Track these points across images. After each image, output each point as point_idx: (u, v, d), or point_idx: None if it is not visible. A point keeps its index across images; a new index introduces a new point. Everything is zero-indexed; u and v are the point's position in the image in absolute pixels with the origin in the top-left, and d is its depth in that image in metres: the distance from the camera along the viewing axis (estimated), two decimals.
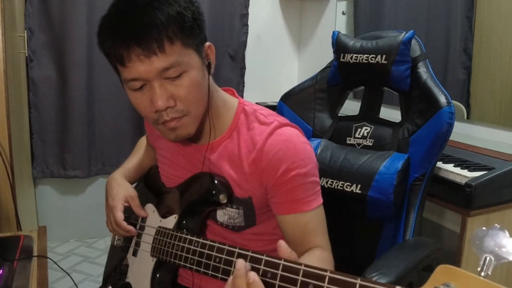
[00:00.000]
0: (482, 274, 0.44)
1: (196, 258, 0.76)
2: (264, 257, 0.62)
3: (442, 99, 1.03)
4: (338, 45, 1.22)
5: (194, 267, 0.77)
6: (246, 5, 2.55)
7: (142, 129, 2.29)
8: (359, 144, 1.17)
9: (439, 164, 1.29)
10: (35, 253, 1.09)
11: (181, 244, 0.82)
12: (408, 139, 1.10)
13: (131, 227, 0.94)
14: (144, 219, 0.98)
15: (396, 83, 1.13)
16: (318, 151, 1.16)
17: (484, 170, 1.24)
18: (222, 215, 0.90)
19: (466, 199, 1.17)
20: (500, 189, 1.20)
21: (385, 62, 1.12)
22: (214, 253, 0.72)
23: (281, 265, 0.59)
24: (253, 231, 0.91)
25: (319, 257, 0.82)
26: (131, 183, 1.05)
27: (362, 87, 1.24)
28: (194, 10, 0.78)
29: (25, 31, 2.17)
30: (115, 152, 2.42)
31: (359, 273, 0.83)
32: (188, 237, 0.80)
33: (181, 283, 0.98)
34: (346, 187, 1.08)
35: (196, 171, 0.90)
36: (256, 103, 1.08)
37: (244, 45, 2.59)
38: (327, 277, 0.54)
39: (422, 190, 1.06)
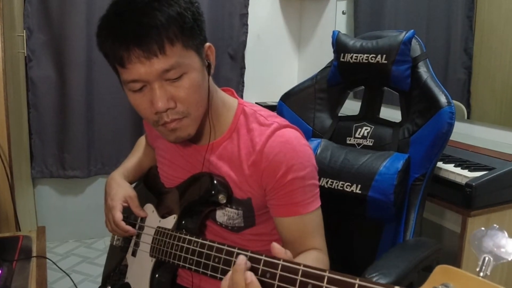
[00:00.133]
0: (481, 274, 0.44)
1: (195, 258, 0.76)
2: (263, 257, 0.62)
3: (443, 99, 1.03)
4: (338, 45, 1.22)
5: (193, 267, 0.76)
6: (246, 4, 2.55)
7: (141, 129, 2.29)
8: (359, 144, 1.17)
9: (440, 164, 1.29)
10: (34, 254, 1.09)
11: (180, 244, 0.81)
12: (408, 139, 1.09)
13: (129, 227, 0.94)
14: (143, 219, 0.98)
15: (396, 83, 1.13)
16: (318, 151, 1.15)
17: (485, 170, 1.24)
18: (221, 215, 0.89)
19: (467, 199, 1.17)
20: (501, 189, 1.20)
21: (385, 62, 1.11)
22: (213, 253, 0.72)
23: (280, 265, 0.59)
24: (252, 232, 0.91)
25: (315, 258, 0.82)
26: (131, 183, 1.05)
27: (362, 87, 1.24)
28: (194, 10, 0.77)
29: (24, 31, 2.17)
30: (114, 152, 2.42)
31: (359, 273, 0.83)
32: (188, 237, 0.80)
33: (180, 283, 0.98)
34: (346, 187, 1.08)
35: (196, 172, 0.90)
36: (256, 103, 1.07)
37: (244, 44, 2.59)
38: (326, 277, 0.54)
39: (422, 190, 1.06)
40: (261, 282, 0.60)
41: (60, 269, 1.32)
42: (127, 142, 2.40)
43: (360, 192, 1.06)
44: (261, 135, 0.83)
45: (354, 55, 1.17)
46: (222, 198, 0.83)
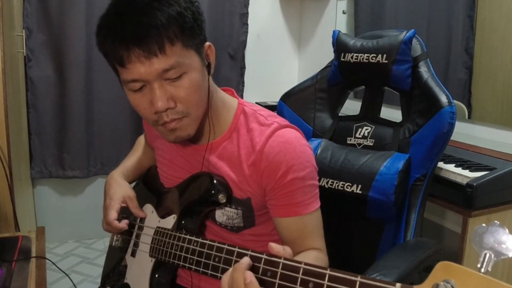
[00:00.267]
0: (482, 270, 0.44)
1: (195, 257, 0.76)
2: (264, 256, 0.62)
3: (443, 99, 1.03)
4: (339, 45, 1.22)
5: (194, 267, 0.76)
6: (246, 4, 2.54)
7: (141, 129, 2.28)
8: (359, 144, 1.17)
9: (440, 164, 1.28)
10: (33, 254, 1.09)
11: (180, 244, 0.81)
12: (409, 139, 1.09)
13: (121, 225, 0.93)
14: (142, 220, 0.98)
15: (397, 83, 1.13)
16: (319, 151, 1.15)
17: (486, 170, 1.23)
18: (221, 215, 0.89)
19: (467, 200, 1.16)
20: (502, 190, 1.20)
21: (386, 61, 1.11)
22: (213, 253, 0.72)
23: (281, 264, 0.59)
24: (252, 232, 0.90)
25: (315, 257, 0.82)
26: (130, 183, 1.05)
27: (363, 87, 1.24)
28: (194, 10, 0.77)
29: (23, 30, 2.16)
30: (114, 152, 2.41)
31: (359, 273, 0.83)
32: (187, 237, 0.80)
33: (180, 283, 0.97)
34: (347, 188, 1.08)
35: (195, 172, 0.90)
36: (256, 103, 1.07)
37: (244, 44, 2.59)
38: (327, 275, 0.54)
39: (423, 191, 1.06)
40: (262, 280, 0.60)
41: (60, 269, 1.31)
42: (127, 142, 2.40)
43: (360, 192, 1.06)
44: (261, 135, 0.83)
45: (355, 54, 1.17)
46: (222, 198, 0.83)
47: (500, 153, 1.35)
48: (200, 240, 0.76)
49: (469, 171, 1.24)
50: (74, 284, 1.42)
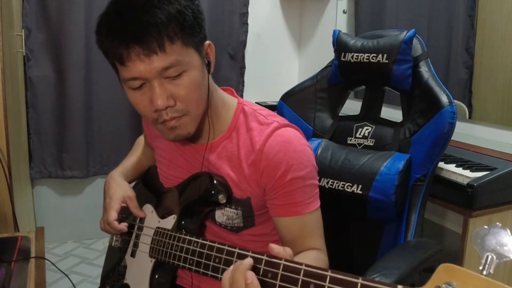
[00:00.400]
0: (484, 272, 0.44)
1: (195, 258, 0.76)
2: (265, 257, 0.61)
3: (444, 99, 1.03)
4: (339, 44, 1.22)
5: (194, 267, 0.76)
6: (245, 3, 2.54)
7: (140, 129, 2.28)
8: (360, 144, 1.17)
9: (441, 164, 1.28)
10: (32, 254, 1.09)
11: (180, 244, 0.81)
12: (409, 139, 1.09)
13: (121, 227, 0.93)
14: (142, 220, 0.97)
15: (397, 83, 1.12)
16: (319, 151, 1.15)
17: (486, 170, 1.23)
18: (220, 215, 0.89)
19: (468, 200, 1.16)
20: (503, 190, 1.20)
21: (386, 61, 1.11)
22: (213, 253, 0.72)
23: (281, 265, 0.59)
24: (252, 232, 0.90)
25: (314, 257, 0.82)
26: (130, 183, 1.04)
27: (363, 87, 1.23)
28: (195, 8, 0.77)
29: (23, 30, 2.16)
30: (113, 152, 2.41)
31: (360, 274, 0.82)
32: (187, 237, 0.80)
33: (180, 284, 0.97)
34: (347, 188, 1.07)
35: (195, 172, 0.89)
36: (256, 102, 1.07)
37: (243, 44, 2.59)
38: (328, 277, 0.54)
39: (423, 191, 1.06)
40: (262, 282, 0.60)
41: (59, 270, 1.31)
42: (127, 142, 2.39)
43: (361, 192, 1.05)
44: (260, 134, 0.83)
45: (355, 54, 1.17)
46: (222, 198, 0.83)
47: (500, 153, 1.35)
48: (200, 240, 0.76)
49: (470, 171, 1.24)
50: (73, 285, 1.42)
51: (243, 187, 0.84)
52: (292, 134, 0.84)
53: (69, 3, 2.18)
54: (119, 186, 0.98)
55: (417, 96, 1.10)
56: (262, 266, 0.61)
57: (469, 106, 1.69)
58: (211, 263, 0.72)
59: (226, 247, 0.70)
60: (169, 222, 0.89)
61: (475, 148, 1.43)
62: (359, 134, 1.18)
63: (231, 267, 0.62)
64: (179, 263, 0.80)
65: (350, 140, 1.18)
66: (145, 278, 0.89)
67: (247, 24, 2.57)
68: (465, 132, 1.55)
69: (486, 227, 0.46)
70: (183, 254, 0.79)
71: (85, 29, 2.22)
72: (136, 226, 0.98)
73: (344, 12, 2.33)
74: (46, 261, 1.07)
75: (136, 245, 0.97)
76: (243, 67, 2.61)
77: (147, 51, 0.72)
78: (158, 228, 0.90)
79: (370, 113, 1.19)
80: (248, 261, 0.61)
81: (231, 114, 0.88)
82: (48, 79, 2.25)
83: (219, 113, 0.87)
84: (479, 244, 0.45)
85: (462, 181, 1.21)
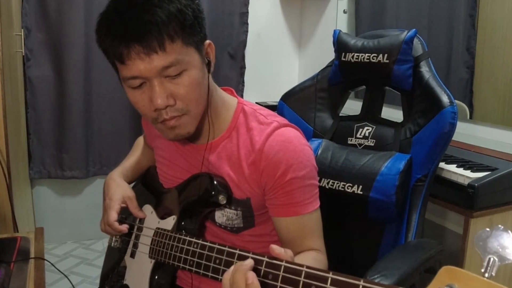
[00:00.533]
0: (486, 275, 0.44)
1: (195, 259, 0.76)
2: (265, 259, 0.61)
3: (445, 99, 1.02)
4: (339, 44, 1.21)
5: (194, 268, 0.76)
6: (246, 3, 2.54)
7: (140, 129, 2.27)
8: (360, 145, 1.16)
9: (442, 164, 1.28)
10: (32, 255, 1.08)
11: (180, 245, 0.81)
12: (410, 139, 1.09)
13: (122, 228, 0.92)
14: (141, 220, 0.97)
15: (398, 83, 1.12)
16: (319, 151, 1.14)
17: (487, 170, 1.23)
18: (220, 216, 0.89)
19: (469, 200, 1.16)
20: (504, 190, 1.20)
21: (387, 61, 1.11)
22: (214, 255, 0.72)
23: (282, 266, 0.59)
24: (252, 233, 0.90)
25: (314, 258, 0.82)
26: (129, 183, 1.04)
27: (364, 87, 1.23)
28: (195, 7, 0.77)
29: (22, 30, 2.15)
30: (113, 153, 2.40)
31: (360, 274, 0.82)
32: (188, 238, 0.79)
33: (179, 284, 0.97)
34: (347, 188, 1.07)
35: (195, 172, 0.89)
36: (256, 102, 1.07)
37: (244, 44, 2.58)
38: (329, 279, 0.54)
39: (424, 191, 1.05)
40: (263, 283, 0.59)
41: (59, 270, 1.31)
42: (126, 142, 2.39)
43: (361, 192, 1.05)
44: (260, 134, 0.83)
45: (355, 54, 1.16)
46: (222, 199, 0.83)
47: (502, 154, 1.35)
48: (200, 242, 0.76)
49: (471, 171, 1.24)
50: (73, 285, 1.41)
51: (243, 187, 0.84)
52: (292, 134, 0.83)
53: (69, 2, 2.18)
54: (119, 187, 0.98)
55: (417, 96, 1.09)
56: (262, 268, 0.61)
57: (470, 106, 1.69)
58: (212, 264, 0.71)
59: (226, 248, 0.69)
60: (169, 222, 0.89)
61: (476, 149, 1.42)
62: (360, 134, 1.17)
63: (232, 268, 0.62)
64: (179, 264, 0.80)
65: (351, 140, 1.18)
66: (144, 279, 0.89)
67: (247, 23, 2.57)
68: (466, 132, 1.55)
69: (488, 229, 0.46)
70: (183, 255, 0.79)
71: (84, 29, 2.21)
72: (135, 227, 0.98)
73: (344, 12, 2.33)
74: (45, 261, 1.07)
75: (135, 245, 0.96)
76: (243, 67, 2.61)
77: (147, 50, 0.71)
78: (158, 228, 0.90)
79: (370, 113, 1.19)
80: (249, 262, 0.61)
81: (231, 113, 0.87)
82: (48, 79, 2.24)
83: (219, 112, 0.87)
84: (481, 247, 0.45)
85: (463, 182, 1.21)
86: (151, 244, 0.90)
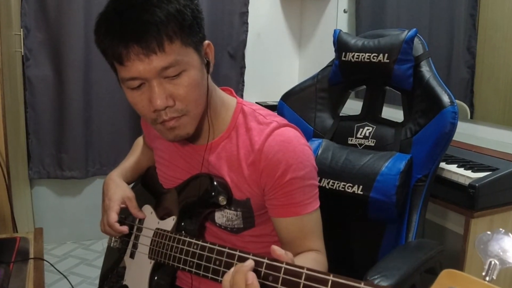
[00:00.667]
0: (487, 278, 0.44)
1: (195, 260, 0.75)
2: (266, 260, 0.61)
3: (445, 99, 1.02)
4: (340, 44, 1.21)
5: (194, 270, 0.75)
6: (246, 3, 2.53)
7: (140, 129, 2.27)
8: (360, 145, 1.16)
9: (442, 164, 1.28)
10: (31, 255, 1.08)
11: (180, 246, 0.80)
12: (410, 139, 1.08)
13: (123, 229, 0.92)
14: (141, 221, 0.97)
15: (399, 82, 1.12)
16: (319, 151, 1.14)
17: (488, 170, 1.22)
18: (220, 217, 0.88)
19: (470, 200, 1.16)
20: (504, 190, 1.19)
21: (387, 61, 1.10)
22: (214, 256, 0.71)
23: (282, 268, 0.58)
24: (252, 233, 0.90)
25: (313, 259, 0.82)
26: (129, 183, 1.04)
27: (364, 87, 1.23)
28: (194, 8, 0.76)
29: (21, 29, 2.14)
30: (112, 153, 2.40)
31: (360, 275, 0.82)
32: (188, 239, 0.79)
33: (179, 285, 0.96)
34: (348, 188, 1.07)
35: (195, 172, 0.89)
36: (256, 102, 1.06)
37: (244, 43, 2.58)
38: (330, 281, 0.54)
39: (425, 191, 1.05)
40: (263, 285, 0.59)
41: (58, 271, 1.31)
42: (126, 142, 2.38)
43: (361, 193, 1.05)
44: (260, 134, 0.83)
45: (356, 54, 1.16)
46: (222, 200, 0.82)
47: (502, 154, 1.34)
48: (200, 243, 0.76)
49: (472, 171, 1.24)
50: (72, 286, 1.41)
51: (242, 188, 0.84)
52: (292, 134, 0.83)
53: (68, 2, 2.17)
54: (118, 187, 0.98)
55: (418, 96, 1.09)
56: (263, 269, 0.60)
57: (471, 106, 1.68)
58: (212, 265, 0.71)
59: (226, 250, 0.69)
60: (169, 223, 0.88)
61: (477, 149, 1.42)
62: (360, 134, 1.17)
63: (232, 269, 0.61)
64: (179, 265, 0.79)
65: (351, 140, 1.18)
66: (144, 279, 0.89)
67: (247, 23, 2.56)
68: (467, 132, 1.55)
69: (489, 232, 0.46)
70: (183, 256, 0.79)
71: (84, 29, 2.21)
72: (135, 227, 0.97)
73: (344, 11, 2.32)
74: (45, 262, 1.07)
75: (135, 246, 0.96)
76: (243, 67, 2.60)
77: (146, 50, 0.71)
78: (158, 229, 0.89)
79: (371, 113, 1.19)
80: (249, 263, 0.61)
81: (230, 114, 0.87)
82: (47, 78, 2.24)
83: (218, 113, 0.87)
84: (482, 250, 0.45)
85: (464, 182, 1.20)
86: (150, 244, 0.90)
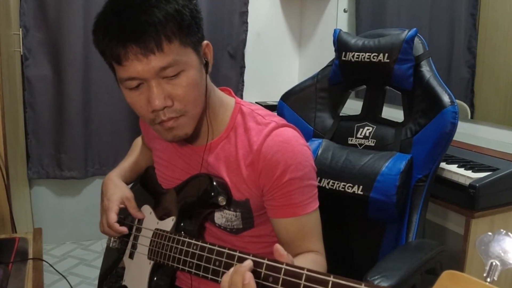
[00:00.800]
0: (488, 279, 0.44)
1: (195, 261, 0.75)
2: (266, 261, 0.61)
3: (446, 99, 1.02)
4: (340, 44, 1.21)
5: (193, 270, 0.75)
6: (245, 2, 2.53)
7: (139, 129, 2.27)
8: (361, 145, 1.16)
9: (443, 164, 1.28)
10: (30, 256, 1.08)
11: (179, 246, 0.80)
12: (411, 139, 1.08)
13: (123, 229, 0.92)
14: (140, 221, 0.96)
15: (399, 82, 1.12)
16: (319, 151, 1.14)
17: (489, 171, 1.22)
18: (219, 217, 0.88)
19: (470, 201, 1.16)
20: (505, 190, 1.19)
21: (388, 60, 1.10)
22: (213, 256, 0.71)
23: (283, 269, 0.58)
24: (252, 234, 0.90)
25: (313, 260, 0.81)
26: (127, 184, 1.04)
27: (364, 86, 1.23)
28: (192, 8, 0.76)
29: (20, 29, 2.14)
30: (112, 153, 2.40)
31: (361, 275, 0.81)
32: (187, 239, 0.79)
33: (179, 285, 0.96)
34: (348, 188, 1.07)
35: (194, 173, 0.89)
36: (256, 102, 1.06)
37: (243, 43, 2.57)
38: (330, 282, 0.53)
39: (425, 191, 1.05)
40: (263, 286, 0.59)
41: (57, 271, 1.31)
42: (125, 142, 2.38)
43: (362, 193, 1.05)
44: (258, 134, 0.82)
45: (356, 53, 1.16)
46: (222, 200, 0.82)
47: (503, 154, 1.34)
48: (200, 243, 0.75)
49: (472, 171, 1.23)
50: (71, 286, 1.40)
51: (241, 189, 0.84)
52: (291, 134, 0.83)
53: (67, 2, 2.17)
54: (117, 187, 0.98)
55: (418, 96, 1.09)
56: (263, 270, 0.60)
57: (471, 106, 1.68)
58: (211, 266, 0.71)
59: (226, 250, 0.69)
60: (168, 223, 0.88)
61: (477, 149, 1.42)
62: (360, 134, 1.17)
63: (231, 269, 0.61)
64: (179, 266, 0.79)
65: (351, 140, 1.18)
66: (143, 280, 0.88)
67: (247, 23, 2.56)
68: (467, 132, 1.55)
69: (490, 233, 0.46)
70: (182, 257, 0.78)
71: (83, 28, 2.20)
72: (134, 228, 0.97)
73: (345, 11, 2.32)
74: (43, 262, 1.06)
75: (134, 246, 0.96)
76: (243, 67, 2.60)
77: (145, 50, 0.71)
78: (157, 229, 0.89)
79: (371, 113, 1.18)
80: (248, 263, 0.60)
81: (229, 114, 0.87)
82: (46, 78, 2.23)
83: (217, 113, 0.87)
84: (483, 251, 0.45)
85: (464, 182, 1.20)
86: (150, 245, 0.89)
